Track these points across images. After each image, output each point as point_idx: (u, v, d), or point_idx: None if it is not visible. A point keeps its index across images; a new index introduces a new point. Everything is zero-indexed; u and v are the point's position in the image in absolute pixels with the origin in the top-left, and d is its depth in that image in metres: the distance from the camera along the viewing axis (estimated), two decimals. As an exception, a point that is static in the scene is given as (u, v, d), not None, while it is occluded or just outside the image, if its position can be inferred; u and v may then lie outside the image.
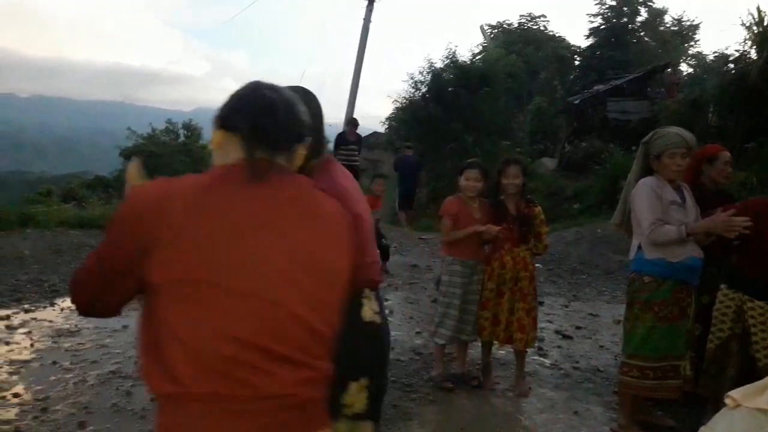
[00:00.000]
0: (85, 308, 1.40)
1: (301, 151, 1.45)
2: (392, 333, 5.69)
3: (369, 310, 2.10)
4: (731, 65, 14.75)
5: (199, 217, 1.24)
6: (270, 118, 1.36)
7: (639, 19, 27.40)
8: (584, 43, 27.70)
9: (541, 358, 5.01)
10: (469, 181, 4.21)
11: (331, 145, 11.03)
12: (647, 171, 3.48)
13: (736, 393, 2.44)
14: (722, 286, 3.56)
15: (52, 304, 6.17)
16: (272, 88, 1.42)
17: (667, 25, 28.77)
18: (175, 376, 1.19)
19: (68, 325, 5.44)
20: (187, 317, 1.21)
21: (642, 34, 27.54)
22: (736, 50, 14.69)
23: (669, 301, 3.30)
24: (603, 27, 26.55)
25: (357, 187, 2.20)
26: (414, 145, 18.84)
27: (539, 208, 4.29)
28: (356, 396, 2.03)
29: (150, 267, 1.23)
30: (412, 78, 19.07)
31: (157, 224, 1.22)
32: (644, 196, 3.32)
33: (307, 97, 1.84)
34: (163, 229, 1.22)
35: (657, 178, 3.37)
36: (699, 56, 28.23)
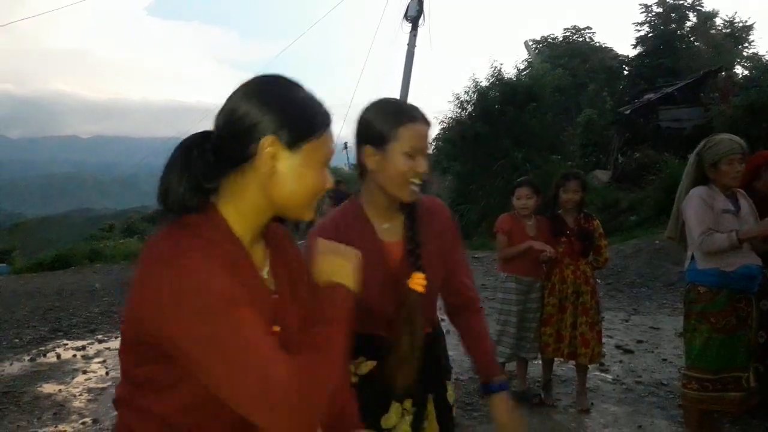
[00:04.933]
0: None
1: None
2: (451, 353, 5.75)
3: None
4: (789, 64, 14.27)
5: None
6: None
7: (688, 24, 26.85)
8: (632, 52, 27.32)
9: (603, 374, 4.95)
10: (521, 199, 4.23)
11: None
12: (700, 181, 3.43)
13: None
14: None
15: (124, 335, 6.47)
16: None
17: (719, 28, 28.07)
18: None
19: (139, 354, 5.70)
20: None
21: (692, 39, 26.95)
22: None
23: (726, 311, 3.24)
24: (651, 35, 26.12)
25: None
26: (462, 164, 18.94)
27: (598, 221, 4.29)
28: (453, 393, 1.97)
29: None
30: (457, 98, 19.15)
31: None
32: (694, 206, 3.27)
33: None
34: None
35: (708, 188, 3.32)
36: (754, 58, 27.38)
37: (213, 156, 1.09)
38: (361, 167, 1.67)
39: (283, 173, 1.10)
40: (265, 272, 1.19)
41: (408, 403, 1.76)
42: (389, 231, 1.71)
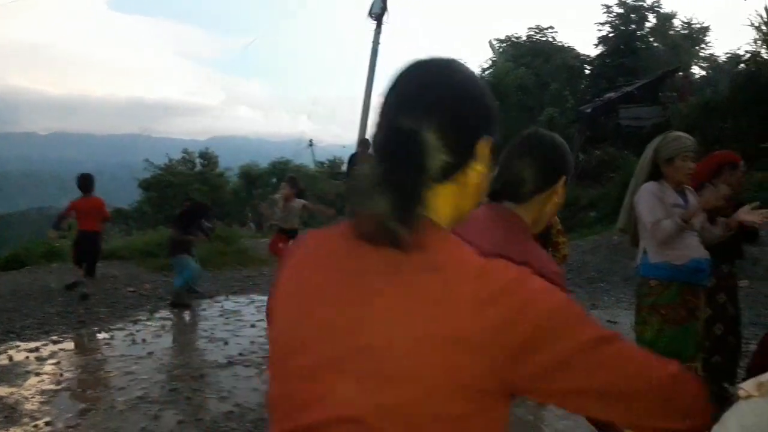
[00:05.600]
0: None
1: None
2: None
3: None
4: (743, 65, 14.71)
5: None
6: None
7: (648, 25, 27.41)
8: (593, 52, 27.78)
9: (561, 367, 5.03)
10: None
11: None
12: (653, 176, 3.50)
13: (747, 384, 2.48)
14: None
15: (79, 335, 6.33)
16: None
17: (677, 29, 28.74)
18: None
19: (95, 355, 5.58)
20: None
21: (651, 39, 27.53)
22: (746, 51, 14.67)
23: (676, 303, 3.33)
24: (612, 35, 26.60)
25: None
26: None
27: (556, 218, 4.34)
28: None
29: None
30: (422, 96, 19.27)
31: None
32: (646, 200, 3.36)
33: None
34: None
35: (659, 183, 3.40)
36: (711, 58, 28.14)
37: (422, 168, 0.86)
38: (540, 190, 1.57)
39: (477, 179, 0.93)
40: None
41: None
42: None
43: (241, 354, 5.56)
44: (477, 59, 42.84)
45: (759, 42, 13.88)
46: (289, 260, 0.96)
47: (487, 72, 21.79)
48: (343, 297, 0.85)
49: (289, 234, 7.78)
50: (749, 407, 2.48)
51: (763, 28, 13.66)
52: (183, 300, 7.54)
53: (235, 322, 6.83)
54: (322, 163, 41.48)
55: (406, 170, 0.84)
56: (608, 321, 6.51)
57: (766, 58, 13.60)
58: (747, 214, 3.23)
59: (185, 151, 37.55)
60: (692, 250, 3.33)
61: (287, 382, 0.87)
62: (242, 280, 9.49)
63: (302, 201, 8.07)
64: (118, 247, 10.99)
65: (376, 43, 15.11)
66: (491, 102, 0.95)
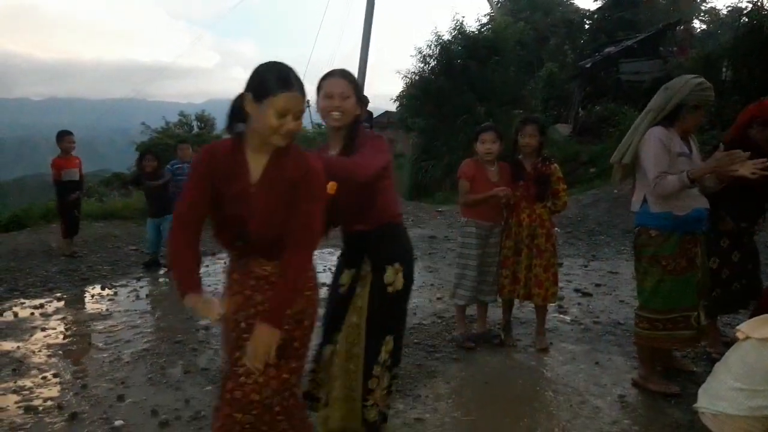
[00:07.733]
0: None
1: None
2: (414, 300, 5.80)
3: None
4: (745, 18, 14.47)
5: None
6: None
7: (648, -23, 26.89)
8: (593, 5, 27.33)
9: (562, 315, 5.08)
10: (486, 143, 4.20)
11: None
12: (667, 120, 3.38)
13: (744, 326, 2.52)
14: None
15: (83, 292, 6.36)
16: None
17: (678, -18, 28.20)
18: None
19: (100, 310, 5.62)
20: None
21: (652, -8, 27.03)
22: (749, 2, 14.41)
23: (677, 253, 3.30)
24: (611, -13, 26.09)
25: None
26: (425, 120, 18.85)
27: (556, 165, 4.32)
28: (395, 277, 2.69)
29: None
30: (420, 52, 18.94)
31: None
32: (653, 147, 3.27)
33: None
34: None
35: (667, 130, 3.32)
36: (712, 11, 27.68)
37: None
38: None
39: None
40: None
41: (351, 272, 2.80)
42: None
43: (244, 308, 5.59)
44: (474, 14, 42.02)
45: (762, -7, 13.64)
46: None
47: (485, 27, 21.38)
48: None
49: None
50: (750, 346, 2.53)
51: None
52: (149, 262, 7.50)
53: (238, 278, 6.84)
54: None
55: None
56: (609, 271, 6.56)
57: (768, 9, 13.36)
58: (727, 165, 3.09)
59: (182, 114, 37.25)
60: (694, 199, 3.30)
61: None
62: (243, 239, 9.50)
63: None
64: (118, 208, 10.99)
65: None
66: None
